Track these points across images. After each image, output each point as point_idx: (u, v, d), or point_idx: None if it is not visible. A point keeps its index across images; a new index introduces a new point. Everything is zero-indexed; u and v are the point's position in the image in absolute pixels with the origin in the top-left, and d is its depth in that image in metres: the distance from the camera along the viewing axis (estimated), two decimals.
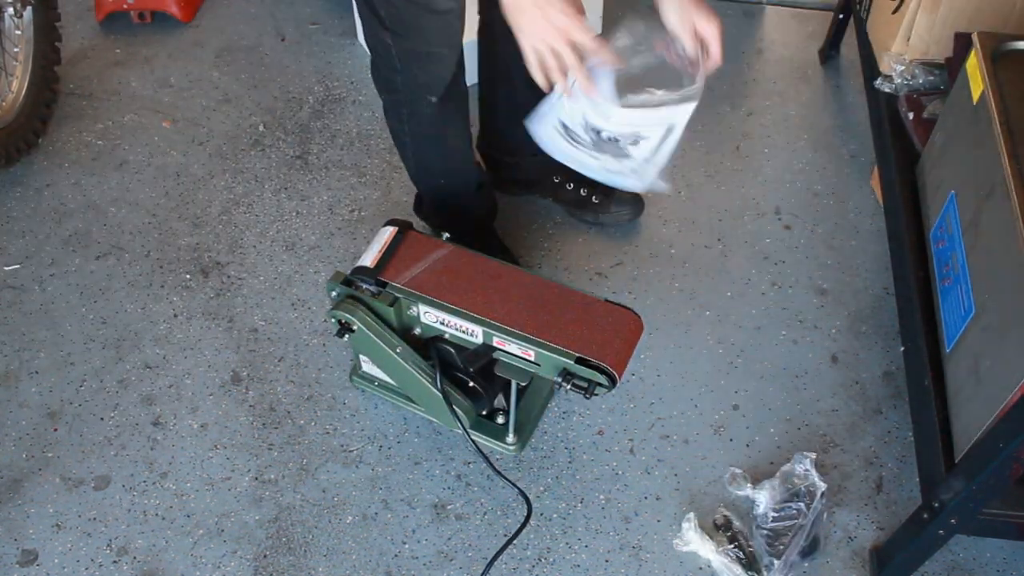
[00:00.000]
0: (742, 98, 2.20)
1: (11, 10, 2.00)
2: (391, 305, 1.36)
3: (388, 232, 1.43)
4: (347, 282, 1.39)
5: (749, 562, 1.40)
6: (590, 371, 1.28)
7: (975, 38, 1.45)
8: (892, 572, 1.37)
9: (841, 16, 2.24)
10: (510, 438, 1.50)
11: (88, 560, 1.41)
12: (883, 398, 1.63)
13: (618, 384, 1.29)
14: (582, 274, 1.82)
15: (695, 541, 1.41)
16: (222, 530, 1.45)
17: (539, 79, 1.16)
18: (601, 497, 1.49)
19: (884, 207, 1.80)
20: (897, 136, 1.76)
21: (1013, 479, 1.12)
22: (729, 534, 1.43)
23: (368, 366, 1.54)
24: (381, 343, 1.38)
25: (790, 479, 1.46)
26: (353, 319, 1.36)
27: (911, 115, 1.75)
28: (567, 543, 1.44)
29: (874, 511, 1.48)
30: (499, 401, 1.50)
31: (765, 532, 1.41)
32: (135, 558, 1.42)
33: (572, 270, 1.82)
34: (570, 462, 1.53)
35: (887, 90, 1.84)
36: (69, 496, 1.49)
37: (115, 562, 1.41)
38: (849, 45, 2.28)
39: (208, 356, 1.68)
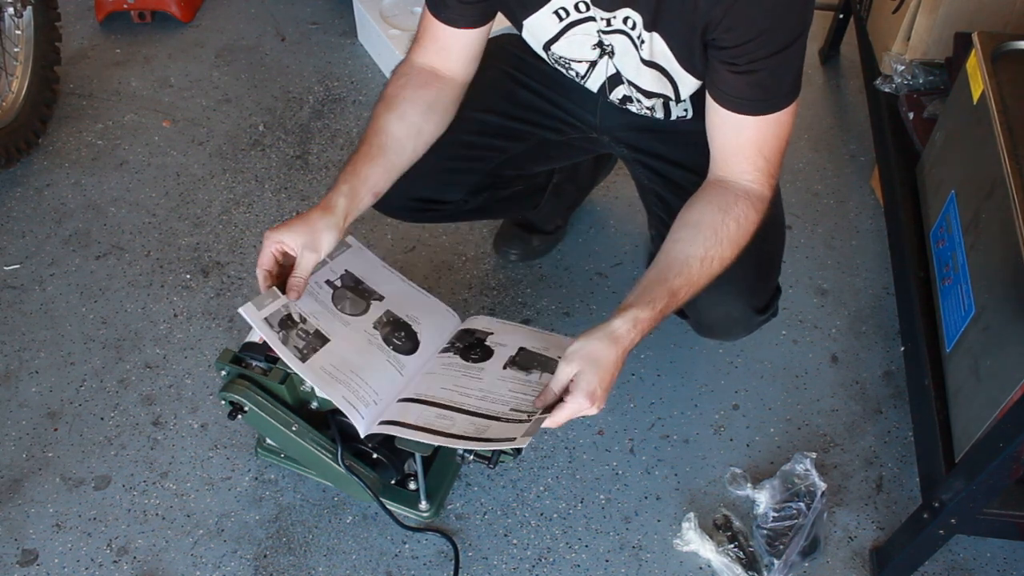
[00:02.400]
0: None
1: (11, 10, 2.00)
2: (283, 382, 1.30)
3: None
4: (236, 360, 1.32)
5: (749, 562, 1.40)
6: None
7: (975, 38, 1.45)
8: (892, 572, 1.37)
9: (841, 16, 2.24)
10: (423, 505, 1.44)
11: (88, 560, 1.41)
12: (883, 398, 1.63)
13: (523, 452, 1.22)
14: (582, 274, 1.82)
15: (695, 541, 1.41)
16: (222, 530, 1.45)
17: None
18: (601, 497, 1.49)
19: (884, 207, 1.80)
20: (897, 136, 1.76)
21: (1013, 479, 1.12)
22: (729, 534, 1.43)
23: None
24: (275, 422, 1.32)
25: (790, 479, 1.46)
26: (244, 400, 1.30)
27: (911, 115, 1.75)
28: (567, 543, 1.44)
29: (874, 511, 1.48)
30: (411, 465, 1.44)
31: (765, 532, 1.41)
32: (135, 558, 1.42)
33: (572, 270, 1.82)
34: (570, 462, 1.53)
35: (887, 90, 1.84)
36: (69, 496, 1.49)
37: (115, 562, 1.41)
38: (849, 45, 2.28)
39: (208, 356, 1.68)
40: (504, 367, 1.27)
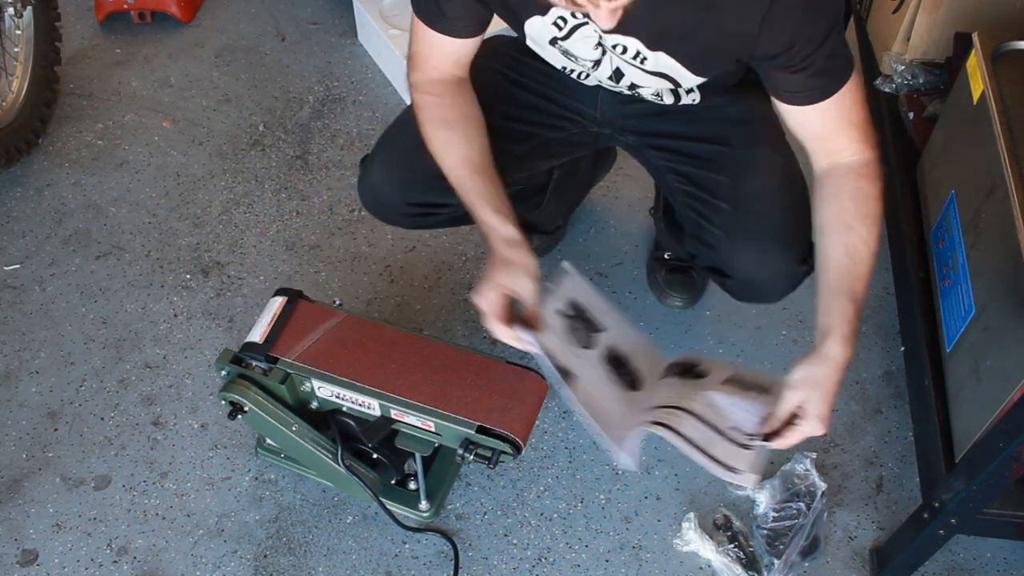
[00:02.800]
0: None
1: (11, 10, 2.00)
2: (283, 382, 1.30)
3: (277, 303, 1.35)
4: (236, 360, 1.32)
5: (749, 562, 1.40)
6: (493, 440, 1.23)
7: (975, 38, 1.45)
8: (892, 572, 1.37)
9: None
10: (423, 505, 1.44)
11: (88, 560, 1.41)
12: (883, 398, 1.63)
13: (523, 452, 1.24)
14: (582, 274, 1.81)
15: (695, 541, 1.41)
16: (222, 530, 1.45)
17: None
18: (601, 497, 1.49)
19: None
20: (897, 136, 1.76)
21: (1013, 479, 1.12)
22: (729, 534, 1.43)
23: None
24: (275, 422, 1.32)
25: (790, 479, 1.46)
26: (244, 400, 1.30)
27: (911, 115, 1.75)
28: (567, 543, 1.44)
29: (874, 511, 1.48)
30: (411, 465, 1.45)
31: (765, 532, 1.41)
32: (135, 558, 1.42)
33: None
34: (570, 462, 1.53)
35: (887, 90, 1.84)
36: (69, 496, 1.49)
37: (115, 562, 1.41)
38: (849, 45, 2.27)
39: (208, 356, 1.68)
40: (722, 383, 1.25)
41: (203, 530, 1.45)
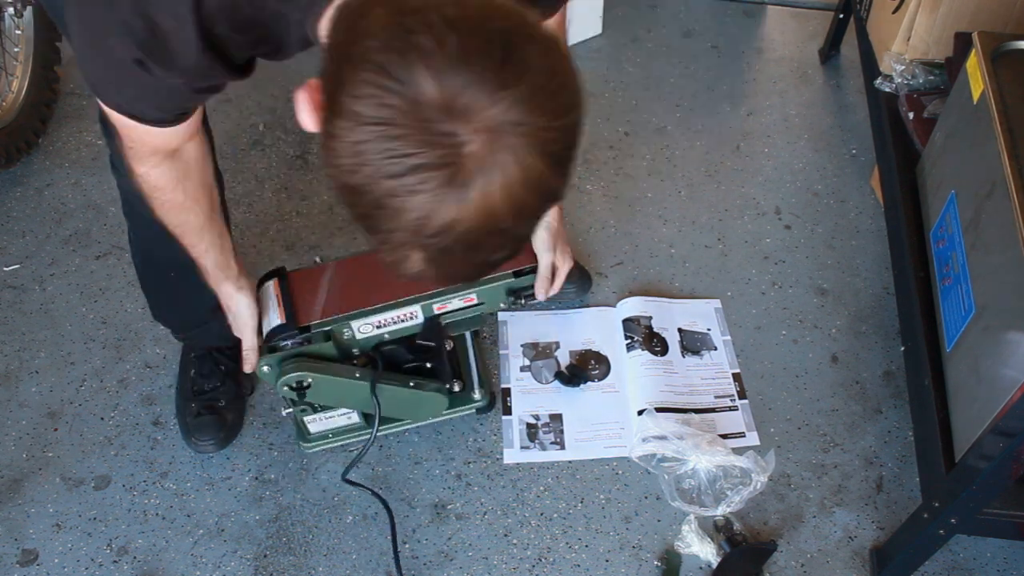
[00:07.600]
0: (742, 98, 2.21)
1: (11, 10, 2.00)
2: (327, 340, 1.32)
3: (272, 286, 1.38)
4: (273, 348, 1.33)
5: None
6: (527, 277, 1.41)
7: (975, 38, 1.45)
8: (892, 572, 1.37)
9: (841, 16, 2.24)
10: (477, 394, 1.48)
11: (88, 560, 1.41)
12: (883, 398, 1.63)
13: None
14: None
15: (695, 543, 1.41)
16: (222, 530, 1.45)
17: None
18: (601, 497, 1.49)
19: (884, 207, 1.80)
20: (897, 136, 1.76)
21: (1013, 479, 1.13)
22: (729, 535, 1.42)
23: (315, 424, 1.48)
24: (342, 377, 1.34)
25: None
26: (304, 375, 1.31)
27: (911, 115, 1.75)
28: (567, 543, 1.44)
29: (874, 511, 1.48)
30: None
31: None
32: (135, 558, 1.42)
33: None
34: (570, 462, 1.53)
35: (887, 90, 1.84)
36: (69, 496, 1.49)
37: (115, 562, 1.41)
38: (849, 45, 2.28)
39: None
40: (683, 356, 1.64)
41: (203, 530, 1.45)
